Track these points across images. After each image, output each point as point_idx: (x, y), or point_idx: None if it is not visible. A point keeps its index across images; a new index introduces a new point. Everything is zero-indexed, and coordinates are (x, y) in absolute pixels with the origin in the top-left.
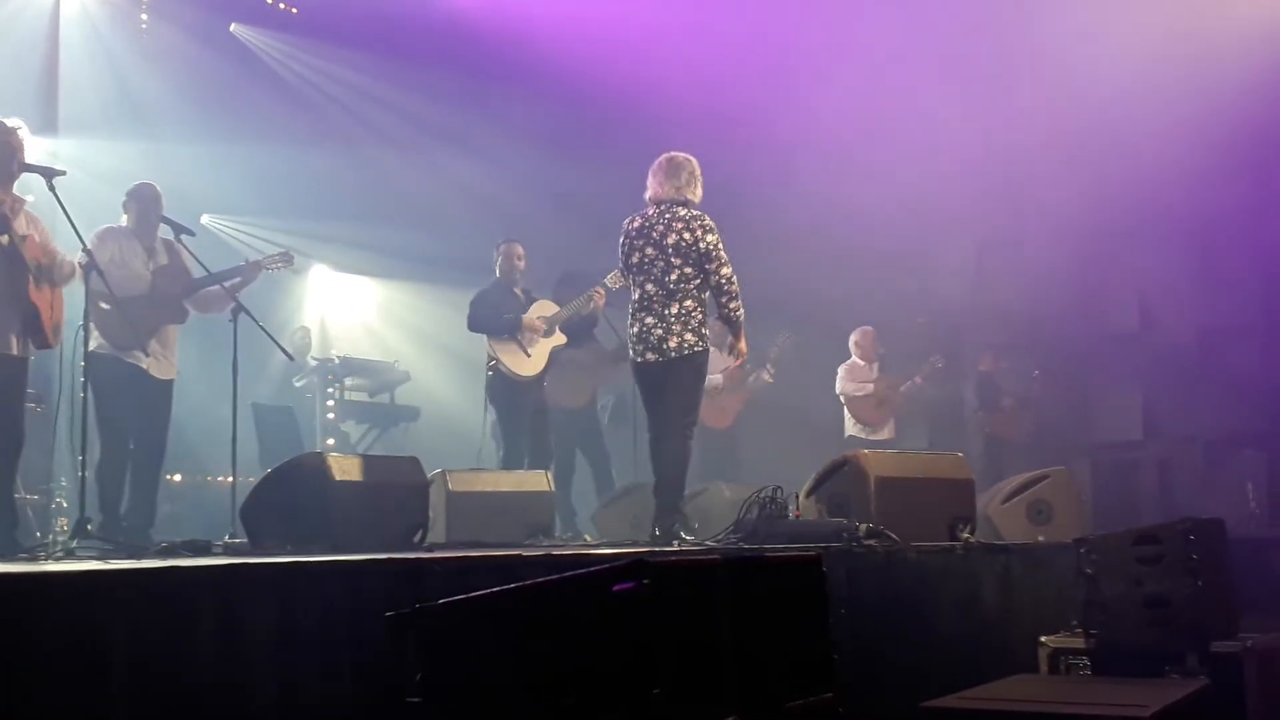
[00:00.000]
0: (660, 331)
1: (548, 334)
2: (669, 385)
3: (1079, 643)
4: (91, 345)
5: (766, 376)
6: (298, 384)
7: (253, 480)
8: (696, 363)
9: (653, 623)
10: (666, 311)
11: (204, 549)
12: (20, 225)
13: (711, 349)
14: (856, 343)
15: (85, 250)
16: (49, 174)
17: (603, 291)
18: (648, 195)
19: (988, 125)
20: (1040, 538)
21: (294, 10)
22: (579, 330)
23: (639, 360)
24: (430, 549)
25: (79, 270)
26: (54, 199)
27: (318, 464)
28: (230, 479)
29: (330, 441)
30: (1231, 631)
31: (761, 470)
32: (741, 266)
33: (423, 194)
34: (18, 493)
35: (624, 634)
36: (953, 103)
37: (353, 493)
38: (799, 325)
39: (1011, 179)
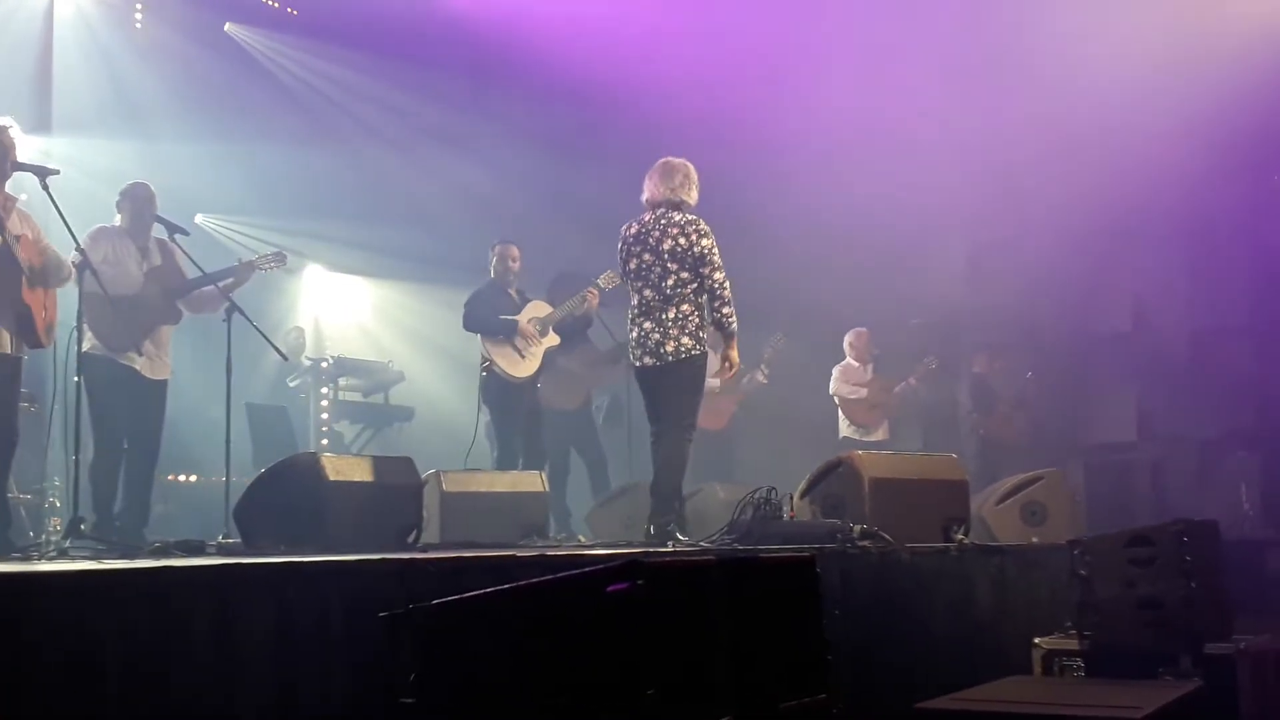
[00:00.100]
0: (658, 336)
1: (541, 335)
2: (667, 389)
3: (1072, 644)
4: (85, 345)
5: (761, 378)
6: (292, 384)
7: (246, 480)
8: (694, 367)
9: (647, 623)
10: (664, 316)
11: (198, 549)
12: (13, 225)
13: (711, 353)
14: (850, 344)
15: (79, 250)
16: (42, 173)
17: (596, 292)
18: (643, 198)
19: (981, 126)
20: (1034, 539)
21: (293, 11)
22: (573, 332)
23: (637, 365)
24: (424, 549)
25: (72, 271)
26: (47, 198)
27: (312, 464)
28: (224, 479)
29: (324, 442)
30: (1225, 633)
31: (756, 471)
32: (736, 268)
33: (417, 194)
34: (11, 492)
35: (618, 635)
36: (946, 103)
37: (347, 493)
38: (793, 326)
39: (1006, 180)
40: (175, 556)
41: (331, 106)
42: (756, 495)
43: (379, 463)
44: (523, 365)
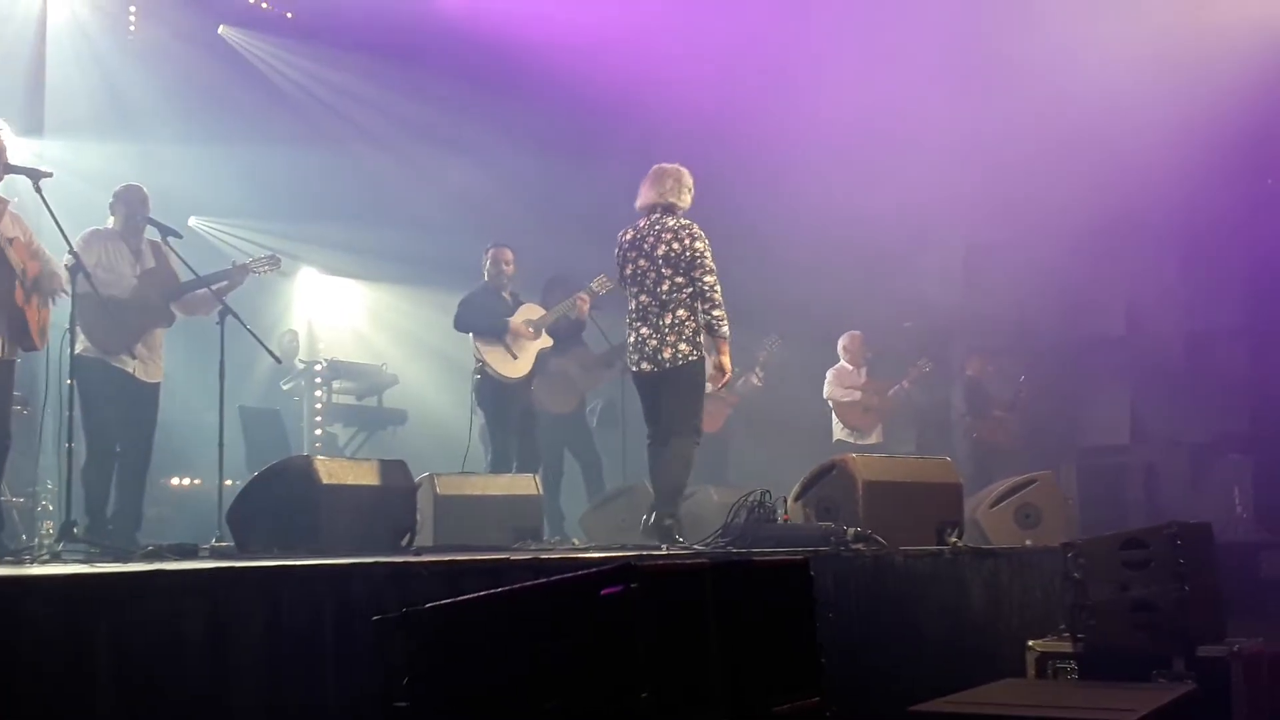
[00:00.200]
0: (655, 342)
1: (534, 336)
2: (667, 395)
3: (1066, 647)
4: (78, 348)
5: (755, 380)
6: (285, 387)
7: (240, 483)
8: (691, 372)
9: (640, 627)
10: (660, 322)
11: (190, 552)
12: (6, 228)
13: (709, 357)
14: (844, 347)
15: (71, 253)
16: (35, 176)
17: (587, 297)
18: (637, 205)
19: (975, 128)
20: (1028, 542)
21: (288, 15)
22: (566, 335)
23: (635, 370)
24: (418, 552)
25: (65, 275)
26: (40, 201)
27: (305, 467)
28: (217, 482)
29: (318, 445)
30: (1218, 636)
31: (749, 474)
32: (730, 271)
33: (411, 197)
34: (3, 495)
35: (612, 638)
36: (941, 105)
37: (340, 496)
38: (787, 329)
39: (999, 182)
40: (168, 560)
41: (326, 109)
42: (750, 498)
43: (372, 466)
44: (515, 365)
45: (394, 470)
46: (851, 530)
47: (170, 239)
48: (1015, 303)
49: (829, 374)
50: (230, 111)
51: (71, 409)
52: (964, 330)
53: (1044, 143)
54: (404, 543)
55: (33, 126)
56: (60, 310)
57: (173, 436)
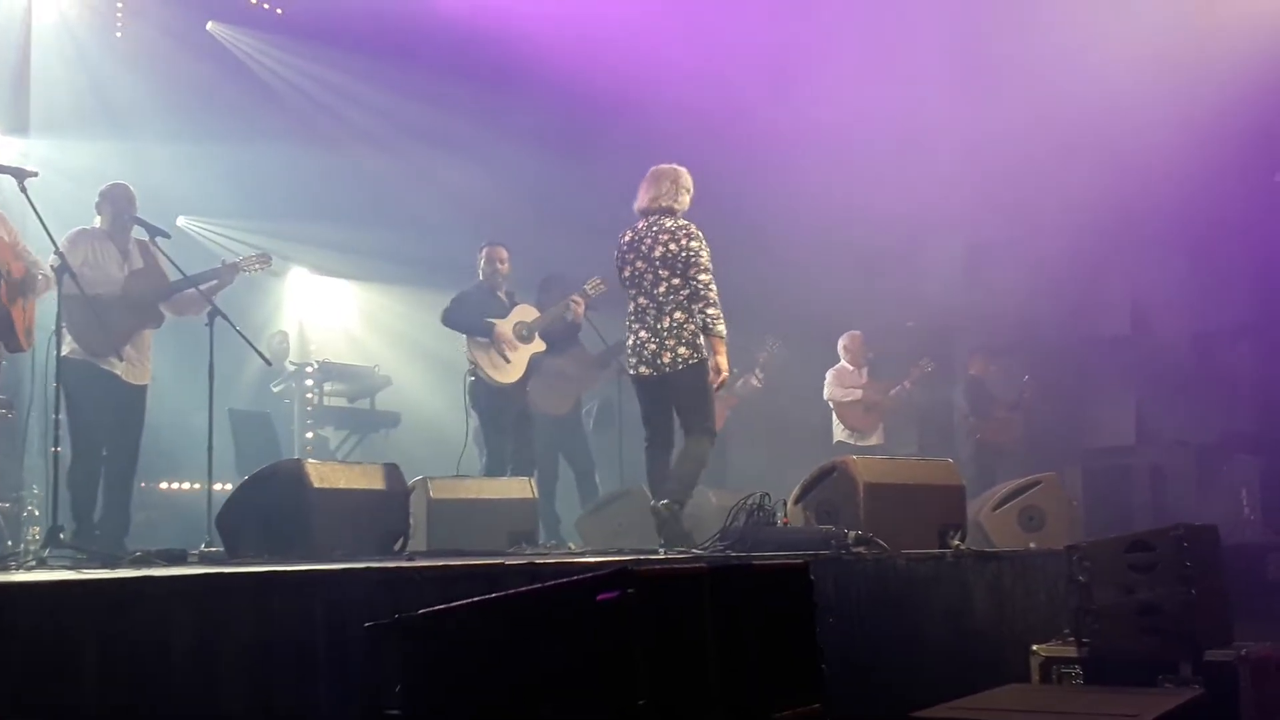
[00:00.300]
0: (654, 346)
1: (526, 340)
2: (671, 400)
3: (1071, 651)
4: (64, 350)
5: (754, 382)
6: (275, 389)
7: (229, 487)
8: (693, 375)
9: (637, 632)
10: (659, 325)
11: (179, 558)
12: None
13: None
14: (845, 347)
15: (57, 253)
16: (20, 175)
17: (581, 300)
18: (636, 207)
19: (978, 127)
20: (1032, 545)
21: (278, 11)
22: (561, 336)
23: (633, 373)
24: (411, 557)
25: (51, 276)
26: (25, 201)
27: (296, 471)
28: (206, 486)
29: (309, 448)
30: (1226, 640)
31: (748, 477)
32: (729, 270)
33: (404, 196)
34: None
35: (608, 644)
36: (944, 103)
37: (331, 500)
38: (787, 329)
39: (1002, 180)
40: (156, 566)
41: (317, 107)
42: (749, 501)
43: (365, 469)
44: (507, 371)
45: (386, 474)
46: (852, 533)
47: (158, 239)
48: (1019, 301)
49: (829, 374)
50: (219, 109)
51: (58, 412)
52: (967, 329)
53: (1047, 141)
54: (397, 548)
55: (18, 125)
56: (47, 312)
57: (161, 440)
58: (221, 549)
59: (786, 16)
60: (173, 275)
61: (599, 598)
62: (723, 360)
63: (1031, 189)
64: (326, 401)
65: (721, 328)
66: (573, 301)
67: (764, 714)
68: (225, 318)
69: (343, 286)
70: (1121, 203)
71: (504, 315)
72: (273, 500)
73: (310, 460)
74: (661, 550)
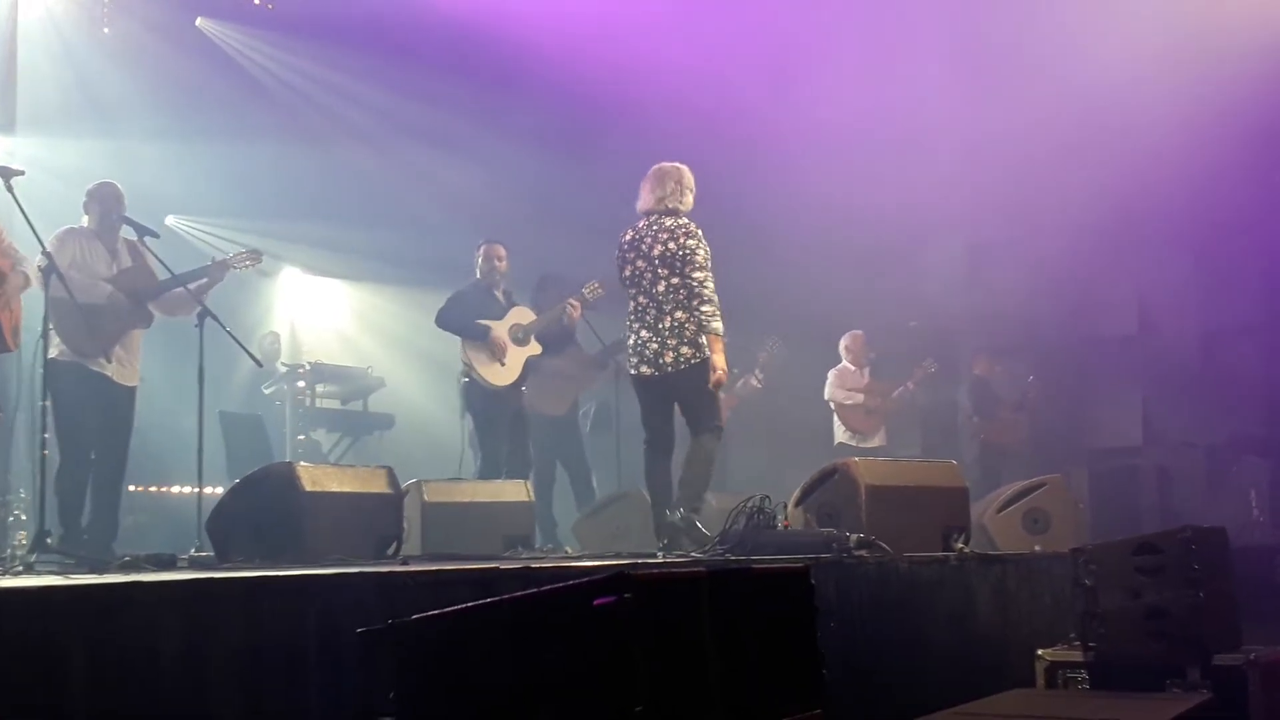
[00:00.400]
0: (655, 346)
1: (522, 343)
2: (674, 400)
3: (1077, 656)
4: (52, 352)
5: (754, 382)
6: (267, 391)
7: (220, 491)
8: (696, 374)
9: (635, 638)
10: (660, 325)
11: (168, 563)
12: None
13: None
14: (846, 347)
15: (44, 253)
16: (6, 174)
17: (577, 303)
18: (638, 206)
19: (981, 125)
20: (1037, 547)
21: (269, 6)
22: (558, 337)
23: (634, 373)
24: (405, 562)
25: (37, 276)
26: (11, 200)
27: (287, 474)
28: (196, 490)
29: (301, 450)
30: (1234, 644)
31: (749, 479)
32: (729, 270)
33: (398, 194)
34: None
35: (605, 650)
36: (946, 102)
37: (324, 504)
38: (787, 329)
39: (1006, 178)
40: (145, 571)
41: (308, 104)
42: (749, 504)
43: (358, 472)
44: (502, 373)
45: (380, 477)
46: (854, 536)
47: (147, 238)
48: (1024, 301)
49: (830, 375)
50: (208, 107)
51: (45, 414)
52: (970, 329)
53: (1052, 139)
54: (390, 552)
55: (4, 123)
56: (34, 313)
57: (150, 442)
58: (212, 554)
59: (786, 16)
60: (161, 275)
61: (596, 603)
62: (719, 359)
63: (1032, 189)
64: (319, 403)
65: (718, 325)
66: (569, 305)
67: None
68: (215, 318)
69: (335, 286)
70: (1123, 202)
71: (501, 315)
72: (264, 504)
73: (302, 463)
74: (660, 554)
